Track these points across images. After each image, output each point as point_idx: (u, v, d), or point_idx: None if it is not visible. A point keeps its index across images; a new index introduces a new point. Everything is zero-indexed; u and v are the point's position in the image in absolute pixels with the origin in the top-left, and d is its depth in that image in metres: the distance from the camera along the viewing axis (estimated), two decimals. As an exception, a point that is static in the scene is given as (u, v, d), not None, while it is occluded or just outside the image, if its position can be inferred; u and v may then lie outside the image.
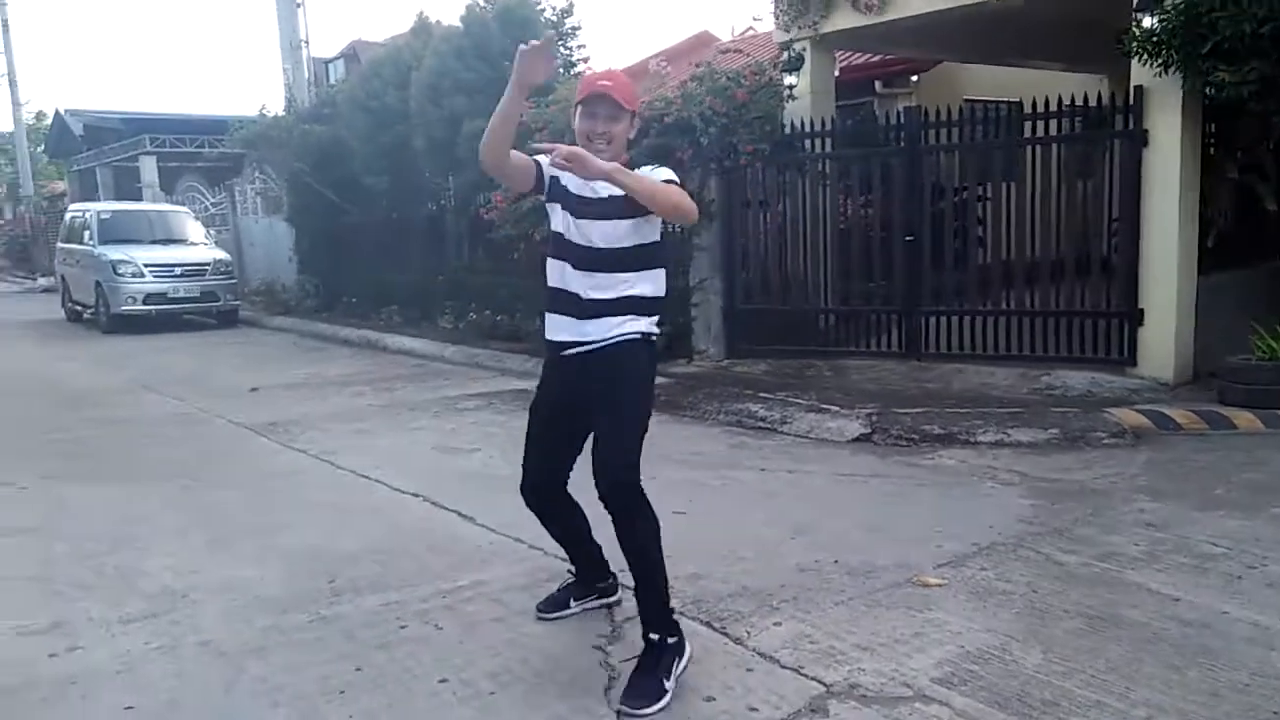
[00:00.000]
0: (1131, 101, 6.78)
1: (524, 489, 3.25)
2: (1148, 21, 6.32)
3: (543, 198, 3.02)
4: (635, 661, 2.88)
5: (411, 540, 4.28)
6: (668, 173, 2.88)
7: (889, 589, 3.54)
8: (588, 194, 2.90)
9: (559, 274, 2.96)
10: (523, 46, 2.68)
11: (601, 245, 2.89)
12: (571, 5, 11.26)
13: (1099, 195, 7.20)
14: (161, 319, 13.68)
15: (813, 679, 2.86)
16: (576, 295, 2.91)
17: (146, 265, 13.58)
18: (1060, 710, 2.64)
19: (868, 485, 4.99)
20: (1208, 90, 6.31)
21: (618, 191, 2.76)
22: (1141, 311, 6.77)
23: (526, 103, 9.41)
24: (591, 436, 2.96)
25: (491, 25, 10.22)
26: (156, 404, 7.95)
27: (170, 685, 2.97)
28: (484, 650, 3.14)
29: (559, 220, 2.97)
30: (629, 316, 2.93)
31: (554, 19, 11.02)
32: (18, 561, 4.16)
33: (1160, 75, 6.40)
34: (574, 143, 2.83)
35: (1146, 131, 6.71)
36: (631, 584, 2.99)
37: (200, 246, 14.72)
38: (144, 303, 13.53)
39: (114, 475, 5.63)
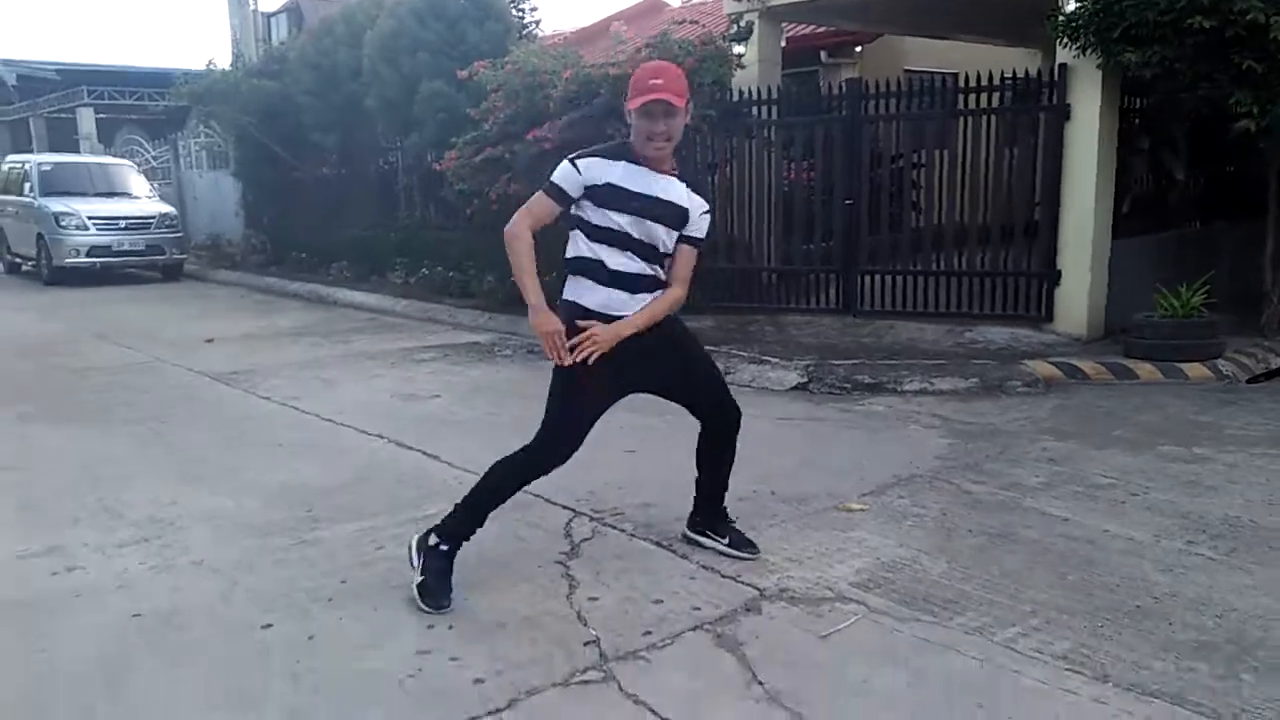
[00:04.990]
0: (1056, 78, 7.25)
1: (555, 463, 3.23)
2: (1070, 6, 6.77)
3: (573, 204, 3.12)
4: (732, 532, 3.57)
5: (380, 476, 4.60)
6: (704, 205, 3.23)
7: (818, 513, 3.97)
8: (657, 194, 3.13)
9: (623, 260, 3.13)
10: (560, 343, 3.03)
11: (658, 243, 3.17)
12: (529, -30, 11.39)
13: (1026, 165, 7.67)
14: (104, 272, 13.62)
15: (748, 585, 3.27)
16: (640, 275, 3.17)
17: (90, 218, 13.50)
18: (957, 607, 3.08)
19: (803, 428, 5.42)
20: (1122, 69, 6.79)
21: (669, 197, 3.14)
22: (1059, 272, 7.29)
23: (480, 63, 9.47)
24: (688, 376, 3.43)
25: (450, -8, 10.33)
26: (113, 353, 8.07)
27: (170, 596, 3.27)
28: (456, 565, 3.47)
29: (620, 219, 3.10)
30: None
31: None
32: (2, 497, 4.38)
33: (1080, 56, 6.86)
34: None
35: (1069, 106, 7.18)
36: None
37: (145, 200, 14.61)
38: (87, 255, 13.47)
39: (82, 419, 5.82)
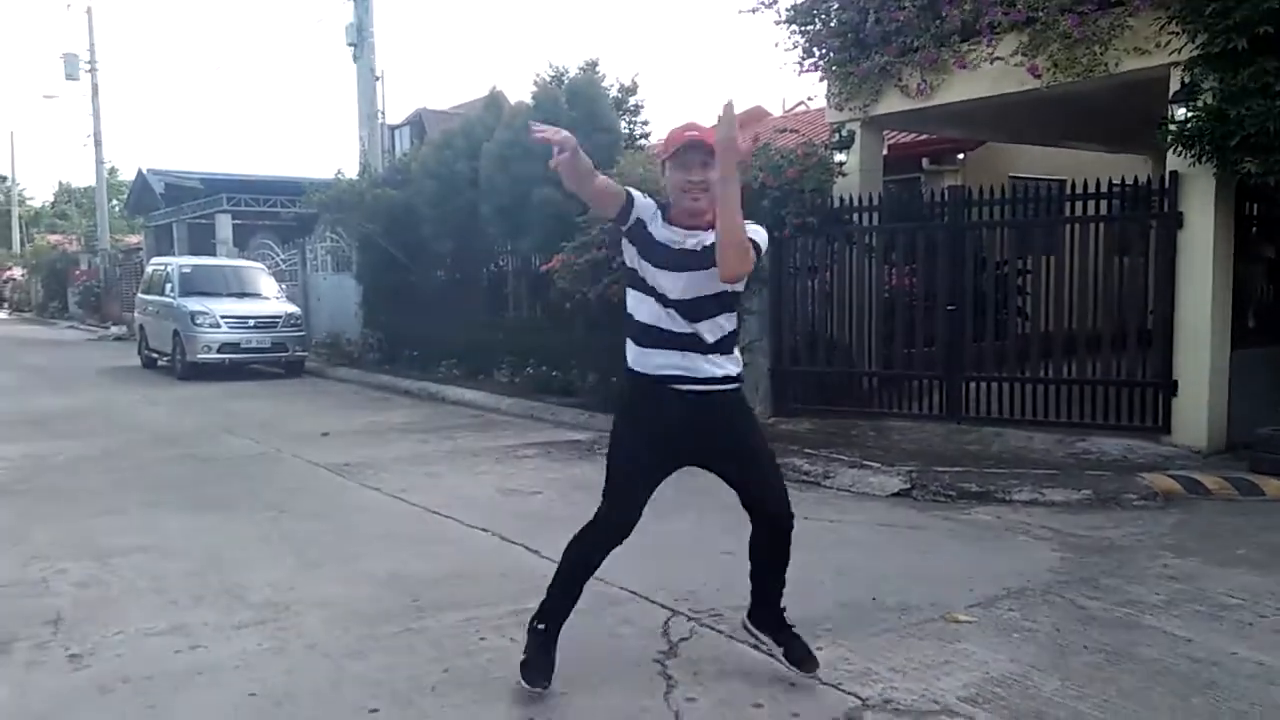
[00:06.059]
0: (1167, 186, 7.16)
1: (612, 536, 3.25)
2: (1181, 113, 6.72)
3: (622, 228, 3.12)
4: (788, 641, 3.34)
5: (484, 568, 4.70)
6: (760, 230, 3.10)
7: (922, 624, 3.87)
8: (676, 245, 3.05)
9: (662, 316, 3.07)
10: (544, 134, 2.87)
11: (693, 296, 3.05)
12: (635, 85, 11.98)
13: (1138, 272, 7.53)
14: (233, 368, 14.42)
15: (850, 694, 3.21)
16: (691, 334, 3.08)
17: (223, 316, 14.38)
18: (1072, 727, 2.96)
19: (906, 535, 5.33)
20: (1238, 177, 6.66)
21: (705, 242, 3.00)
22: (1175, 383, 7.05)
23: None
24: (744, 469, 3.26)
25: (561, 101, 10.93)
26: (238, 444, 8.50)
27: (284, 679, 3.40)
28: (557, 660, 3.52)
29: (648, 269, 3.08)
30: (735, 354, 3.18)
31: (619, 96, 11.70)
32: (134, 577, 4.63)
33: (1195, 165, 6.77)
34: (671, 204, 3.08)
35: (1181, 214, 7.06)
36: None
37: (272, 300, 15.51)
38: (219, 351, 14.28)
39: (208, 505, 6.14)
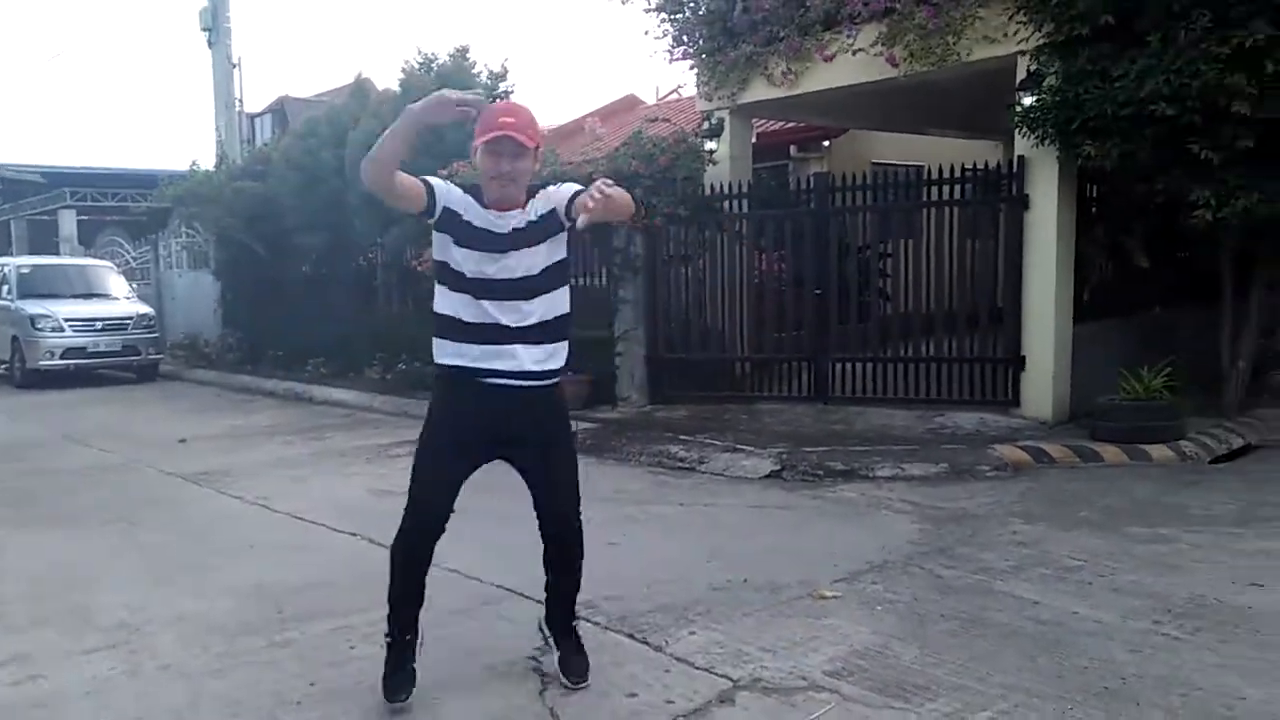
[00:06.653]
0: (1015, 169, 7.54)
1: (422, 530, 3.16)
2: (1027, 100, 7.09)
3: (430, 221, 3.00)
4: (565, 648, 3.27)
5: (352, 574, 4.54)
6: (574, 185, 3.04)
7: (791, 602, 3.98)
8: (494, 229, 2.97)
9: (468, 307, 2.99)
10: (452, 96, 2.80)
11: (510, 277, 2.98)
12: (506, 70, 11.79)
13: (990, 253, 7.91)
14: (78, 374, 13.56)
15: (722, 676, 3.27)
16: (498, 324, 2.98)
17: (67, 320, 13.49)
18: (930, 693, 3.09)
19: (776, 515, 5.46)
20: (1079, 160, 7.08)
21: (516, 225, 2.97)
22: (1024, 358, 7.45)
23: (460, 163, 9.67)
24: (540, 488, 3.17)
25: (430, 89, 10.65)
26: (85, 455, 8.02)
27: (135, 704, 3.22)
28: (429, 664, 3.42)
29: (458, 256, 2.99)
30: (556, 345, 3.07)
31: (489, 83, 11.53)
32: (-33, 602, 4.31)
33: (1038, 147, 7.15)
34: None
35: (1028, 196, 7.45)
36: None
37: (122, 301, 14.64)
38: (62, 357, 13.41)
39: (52, 521, 5.76)
